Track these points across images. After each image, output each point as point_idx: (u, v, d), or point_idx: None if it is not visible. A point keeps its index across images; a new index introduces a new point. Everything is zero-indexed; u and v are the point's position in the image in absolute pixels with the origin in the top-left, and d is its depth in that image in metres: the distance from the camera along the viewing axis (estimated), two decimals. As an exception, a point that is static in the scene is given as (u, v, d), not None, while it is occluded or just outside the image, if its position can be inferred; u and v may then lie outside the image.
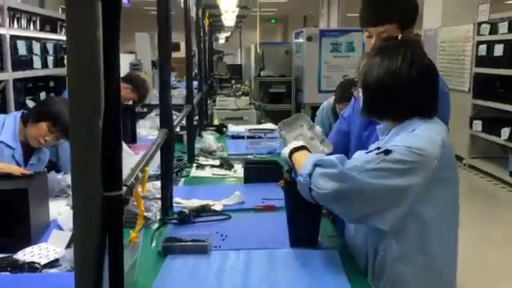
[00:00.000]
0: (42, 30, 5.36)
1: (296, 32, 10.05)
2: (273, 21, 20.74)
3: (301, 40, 9.31)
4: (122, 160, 0.92)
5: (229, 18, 7.84)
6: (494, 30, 6.55)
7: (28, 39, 4.73)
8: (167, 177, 2.15)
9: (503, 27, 6.36)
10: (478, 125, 6.85)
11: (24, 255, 1.66)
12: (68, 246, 1.70)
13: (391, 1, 1.86)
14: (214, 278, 1.58)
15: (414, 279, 1.51)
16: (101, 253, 0.88)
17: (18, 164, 2.38)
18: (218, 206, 2.21)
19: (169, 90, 2.17)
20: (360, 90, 1.58)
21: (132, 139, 3.70)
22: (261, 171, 2.67)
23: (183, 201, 2.28)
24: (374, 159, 1.41)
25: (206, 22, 5.48)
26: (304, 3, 15.93)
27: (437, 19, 7.94)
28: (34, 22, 5.19)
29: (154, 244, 1.83)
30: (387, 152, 1.41)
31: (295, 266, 1.67)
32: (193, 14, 3.80)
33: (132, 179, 1.14)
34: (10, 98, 4.24)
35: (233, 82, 7.08)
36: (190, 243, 1.76)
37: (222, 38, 13.36)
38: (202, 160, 3.15)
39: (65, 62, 5.32)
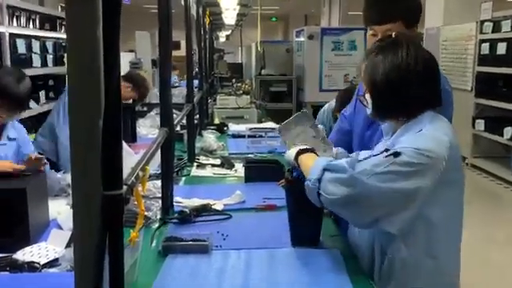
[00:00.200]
0: (41, 28, 5.34)
1: (297, 30, 10.04)
2: (274, 19, 20.71)
3: (302, 38, 9.30)
4: (122, 159, 0.92)
5: (229, 16, 7.82)
6: (496, 28, 6.50)
7: (27, 37, 4.70)
8: (168, 176, 2.14)
9: (506, 25, 6.31)
10: (480, 124, 6.81)
11: (23, 255, 1.65)
12: (68, 246, 1.69)
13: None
14: (215, 277, 1.57)
15: (421, 282, 1.50)
16: (101, 252, 0.88)
17: None
18: (218, 206, 2.21)
19: (169, 89, 2.17)
20: (367, 94, 1.56)
21: (132, 138, 3.70)
22: (262, 170, 2.66)
23: (184, 200, 2.27)
24: (383, 162, 1.39)
25: (207, 21, 5.48)
26: (305, 1, 15.91)
27: (439, 17, 7.89)
28: (34, 20, 5.17)
29: (154, 243, 1.82)
30: (396, 154, 1.39)
31: (296, 265, 1.66)
32: (193, 12, 3.79)
33: (132, 178, 1.14)
34: (9, 96, 4.23)
35: (233, 80, 7.07)
36: (190, 243, 1.75)
37: (222, 36, 13.34)
38: (202, 159, 3.14)
39: (64, 60, 5.31)
